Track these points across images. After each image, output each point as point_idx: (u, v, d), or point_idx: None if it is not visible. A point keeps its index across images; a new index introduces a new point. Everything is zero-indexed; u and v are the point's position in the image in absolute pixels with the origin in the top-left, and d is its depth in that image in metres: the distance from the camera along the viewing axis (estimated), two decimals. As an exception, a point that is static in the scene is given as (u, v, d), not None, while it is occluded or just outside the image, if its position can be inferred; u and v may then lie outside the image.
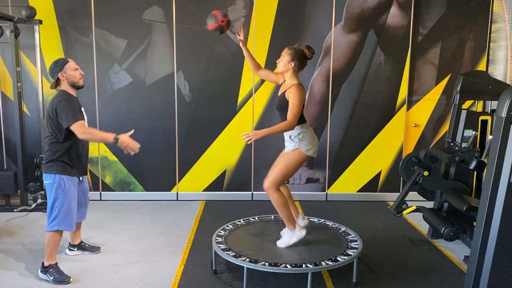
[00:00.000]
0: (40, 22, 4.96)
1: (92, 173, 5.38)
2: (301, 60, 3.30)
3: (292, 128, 3.22)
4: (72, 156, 3.34)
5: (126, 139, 3.28)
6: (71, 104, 3.24)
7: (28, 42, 5.06)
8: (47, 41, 5.13)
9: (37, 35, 4.98)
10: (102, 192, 5.42)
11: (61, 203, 3.30)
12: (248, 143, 3.22)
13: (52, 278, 3.30)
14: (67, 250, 3.85)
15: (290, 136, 3.32)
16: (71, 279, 3.33)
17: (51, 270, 3.33)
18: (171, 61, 5.21)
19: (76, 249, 3.85)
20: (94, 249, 3.89)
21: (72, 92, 3.38)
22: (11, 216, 4.79)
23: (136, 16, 5.12)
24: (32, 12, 4.76)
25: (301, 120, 3.29)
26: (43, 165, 3.36)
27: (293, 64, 3.27)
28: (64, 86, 3.34)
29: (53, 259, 3.37)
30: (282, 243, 3.42)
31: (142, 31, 5.15)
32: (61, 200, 3.30)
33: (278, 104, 3.38)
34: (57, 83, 3.36)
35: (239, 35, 3.60)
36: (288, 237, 3.41)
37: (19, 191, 4.99)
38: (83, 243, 3.89)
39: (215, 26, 3.47)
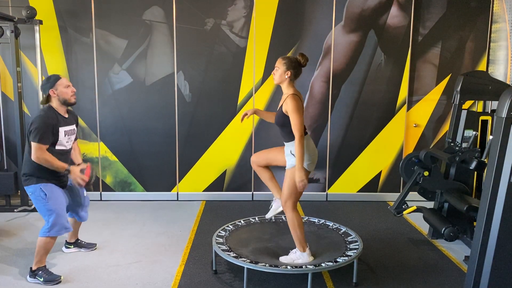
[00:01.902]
0: (41, 22, 4.96)
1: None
2: (296, 68, 3.21)
3: (303, 141, 3.10)
4: (47, 171, 3.30)
5: (76, 172, 3.27)
6: (45, 123, 3.21)
7: (28, 42, 5.06)
8: (48, 42, 5.13)
9: (37, 35, 4.99)
10: (102, 192, 5.42)
11: (48, 211, 3.29)
12: (307, 185, 3.13)
13: (42, 279, 3.29)
14: (63, 248, 3.87)
15: (291, 151, 3.20)
16: (61, 278, 3.34)
17: (40, 272, 3.32)
18: (171, 61, 5.21)
19: (72, 246, 3.88)
20: (90, 246, 3.92)
21: (61, 109, 3.35)
22: (12, 216, 4.79)
23: (136, 16, 5.12)
24: (32, 12, 4.77)
25: None
26: (22, 180, 3.36)
27: (289, 73, 3.18)
28: (54, 102, 3.32)
29: (42, 263, 3.37)
30: (286, 259, 3.34)
31: (142, 31, 5.15)
32: (46, 208, 3.28)
33: (277, 120, 3.25)
34: (47, 99, 3.34)
35: (247, 116, 3.45)
36: (296, 256, 3.32)
37: (19, 191, 4.99)
38: (79, 241, 3.91)
39: None
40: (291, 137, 3.17)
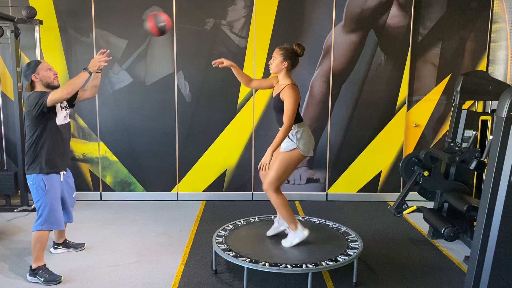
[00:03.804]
0: (41, 22, 4.96)
1: (92, 173, 5.38)
2: (293, 59, 3.28)
3: (289, 130, 3.20)
4: (49, 153, 3.31)
5: (93, 61, 3.31)
6: (42, 92, 3.23)
7: (28, 42, 5.06)
8: (48, 42, 5.13)
9: (37, 35, 4.99)
10: (102, 192, 5.42)
11: (44, 203, 3.30)
12: (268, 169, 3.19)
13: (42, 279, 3.29)
14: (51, 249, 3.85)
15: (289, 135, 3.28)
16: (62, 278, 3.33)
17: (41, 271, 3.32)
18: (171, 61, 5.21)
19: (61, 247, 3.86)
20: (78, 246, 3.91)
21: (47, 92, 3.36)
22: (12, 216, 4.79)
23: (136, 16, 5.12)
24: (32, 12, 4.77)
25: (298, 119, 3.27)
26: (25, 168, 3.37)
27: (286, 63, 3.25)
28: (39, 87, 3.32)
29: (41, 261, 3.36)
30: (286, 242, 3.41)
31: (142, 31, 5.15)
32: (43, 200, 3.30)
33: (274, 105, 3.36)
34: (32, 85, 3.34)
35: (222, 64, 3.49)
36: (292, 237, 3.41)
37: (19, 191, 4.99)
38: (67, 241, 3.90)
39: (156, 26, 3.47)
40: None
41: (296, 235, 3.39)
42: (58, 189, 3.40)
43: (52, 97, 3.16)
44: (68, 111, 3.50)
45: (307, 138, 3.31)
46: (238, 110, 5.30)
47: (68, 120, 3.50)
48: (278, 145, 3.17)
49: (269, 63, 3.37)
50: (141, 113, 5.27)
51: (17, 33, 4.80)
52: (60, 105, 3.38)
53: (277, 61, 3.27)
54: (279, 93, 3.27)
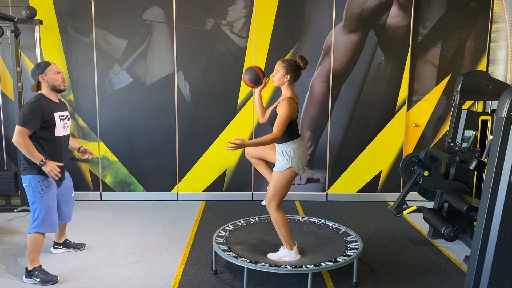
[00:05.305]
0: (41, 22, 4.97)
1: (93, 173, 5.38)
2: (296, 72, 3.26)
3: (277, 141, 3.16)
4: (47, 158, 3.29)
5: (51, 165, 3.20)
6: (34, 109, 3.19)
7: (28, 42, 5.06)
8: (48, 41, 5.13)
9: (37, 35, 4.99)
10: (102, 192, 5.42)
11: (40, 206, 3.27)
12: (232, 150, 3.09)
13: (39, 280, 3.28)
14: (52, 249, 3.85)
15: (282, 152, 3.23)
16: (58, 278, 3.33)
17: (37, 272, 3.30)
18: (171, 61, 5.21)
19: (61, 247, 3.85)
20: (79, 246, 3.91)
21: (52, 96, 3.35)
22: (12, 216, 4.79)
23: (137, 16, 5.12)
24: (32, 12, 4.77)
25: (294, 135, 3.23)
26: (20, 168, 3.36)
27: (288, 76, 3.23)
28: (45, 89, 3.32)
29: (37, 262, 3.35)
30: (274, 255, 3.35)
31: (142, 31, 5.15)
32: (40, 202, 3.27)
33: (271, 120, 3.28)
34: (38, 86, 3.33)
35: (265, 83, 3.45)
36: (284, 254, 3.33)
37: (19, 191, 4.99)
38: (67, 241, 3.89)
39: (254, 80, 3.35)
40: (283, 139, 3.20)
41: (289, 254, 3.31)
42: (54, 191, 3.38)
43: (16, 129, 3.19)
44: (69, 121, 3.48)
45: (302, 155, 3.24)
46: (238, 110, 5.30)
47: (68, 132, 3.47)
48: (259, 144, 3.15)
49: (271, 76, 3.34)
50: (141, 113, 5.27)
51: (17, 33, 4.80)
52: (59, 117, 3.35)
53: (280, 74, 3.24)
54: (275, 107, 3.25)
